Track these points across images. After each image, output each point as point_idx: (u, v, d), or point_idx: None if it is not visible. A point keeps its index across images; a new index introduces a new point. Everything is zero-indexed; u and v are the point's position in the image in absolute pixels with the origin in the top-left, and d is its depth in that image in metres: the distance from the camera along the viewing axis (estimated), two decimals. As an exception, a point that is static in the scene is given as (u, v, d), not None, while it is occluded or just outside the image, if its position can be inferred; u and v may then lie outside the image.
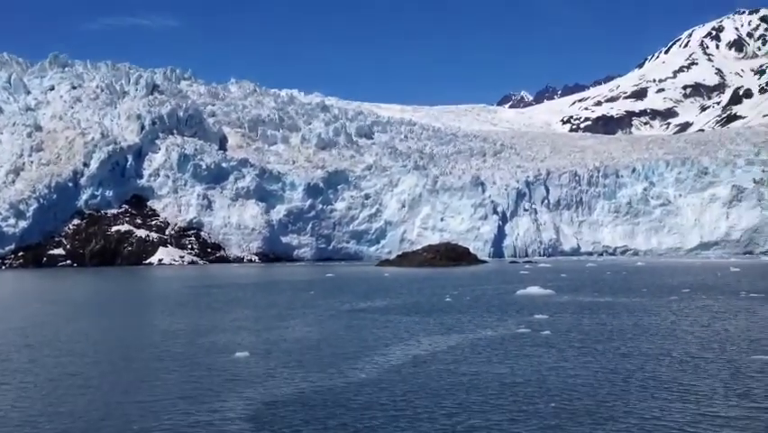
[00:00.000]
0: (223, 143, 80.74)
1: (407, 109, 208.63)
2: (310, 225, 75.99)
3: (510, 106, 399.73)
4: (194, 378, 11.30)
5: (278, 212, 74.53)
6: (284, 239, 74.13)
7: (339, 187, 79.34)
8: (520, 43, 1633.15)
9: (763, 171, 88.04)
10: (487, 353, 13.43)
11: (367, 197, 79.72)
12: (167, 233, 69.40)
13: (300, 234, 75.57)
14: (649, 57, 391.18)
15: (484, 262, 64.36)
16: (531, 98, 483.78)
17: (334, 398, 9.96)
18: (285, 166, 79.02)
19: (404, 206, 79.81)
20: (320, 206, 77.10)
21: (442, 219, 78.90)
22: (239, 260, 69.42)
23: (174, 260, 65.95)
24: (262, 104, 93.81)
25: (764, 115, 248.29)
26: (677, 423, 8.52)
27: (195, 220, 70.54)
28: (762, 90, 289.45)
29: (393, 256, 66.84)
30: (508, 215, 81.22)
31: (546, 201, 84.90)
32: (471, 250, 66.53)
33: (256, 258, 70.17)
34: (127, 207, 70.42)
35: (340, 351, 13.80)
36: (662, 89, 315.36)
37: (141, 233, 67.89)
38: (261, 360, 12.87)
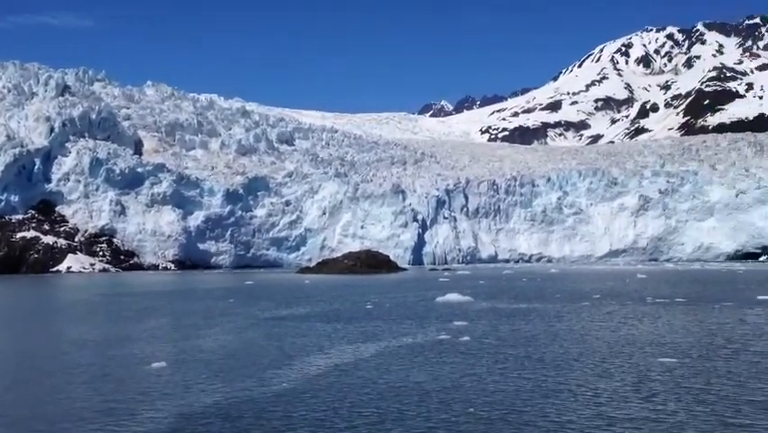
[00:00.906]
0: (138, 148, 78.48)
1: (329, 116, 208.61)
2: (229, 232, 74.75)
3: (431, 115, 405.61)
4: (107, 391, 10.90)
5: (196, 218, 72.99)
6: (201, 246, 72.63)
7: (259, 193, 78.43)
8: (441, 54, 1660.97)
9: (668, 182, 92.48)
10: (407, 360, 13.53)
11: (287, 203, 79.14)
12: (76, 239, 66.79)
13: (219, 241, 74.22)
14: (563, 70, 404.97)
15: (404, 269, 64.88)
16: (451, 108, 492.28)
17: (255, 408, 9.81)
18: (203, 172, 77.51)
19: (325, 213, 79.64)
20: (239, 212, 75.97)
21: (362, 227, 79.15)
22: (154, 267, 67.54)
23: (84, 267, 63.50)
24: (180, 108, 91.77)
25: (669, 129, 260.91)
26: (589, 426, 8.80)
27: (107, 226, 68.22)
28: (667, 105, 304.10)
29: (313, 263, 66.52)
30: (428, 222, 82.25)
31: (465, 209, 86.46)
32: (392, 257, 66.95)
33: (172, 265, 68.45)
34: (34, 212, 67.36)
35: (260, 360, 13.62)
36: (576, 102, 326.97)
37: (49, 239, 65.06)
38: (179, 370, 12.55)
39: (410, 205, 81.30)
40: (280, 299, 29.05)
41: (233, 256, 74.34)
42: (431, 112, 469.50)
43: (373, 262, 60.73)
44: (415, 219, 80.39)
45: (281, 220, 78.07)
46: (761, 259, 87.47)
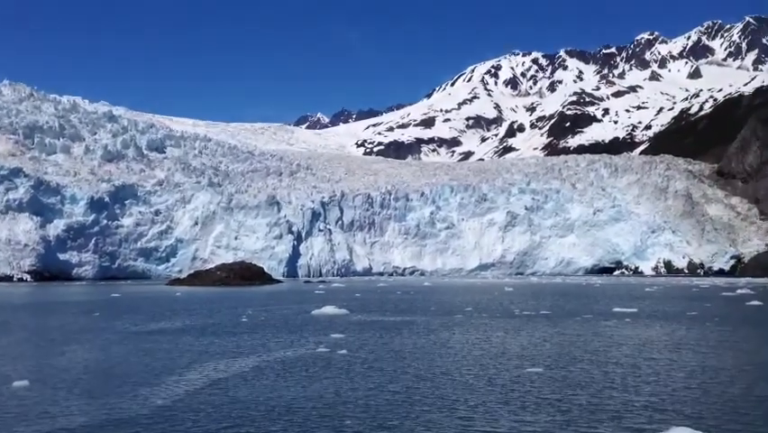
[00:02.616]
0: (-8, 150, 73.17)
1: (202, 124, 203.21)
2: (93, 242, 71.11)
3: (307, 127, 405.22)
4: (-41, 413, 10.07)
5: (56, 227, 68.94)
6: (62, 256, 68.62)
7: (127, 202, 75.23)
8: (318, 66, 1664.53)
9: (533, 199, 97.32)
10: (285, 374, 13.43)
11: (157, 213, 76.38)
12: None
13: (81, 251, 70.42)
14: (437, 88, 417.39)
15: (279, 281, 64.25)
16: (327, 120, 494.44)
17: (129, 428, 9.40)
18: (65, 178, 73.39)
19: (197, 223, 77.51)
20: (104, 221, 72.49)
21: (236, 238, 77.69)
22: (8, 278, 63.06)
23: (-72, 278, 58.34)
24: (40, 109, 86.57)
25: (534, 148, 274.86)
26: (466, 435, 9.10)
27: (-45, 234, 63.05)
28: (532, 126, 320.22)
29: (184, 275, 64.52)
30: (303, 234, 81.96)
31: (340, 222, 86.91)
32: (266, 269, 66.20)
33: (28, 277, 64.18)
34: None
35: (133, 377, 13.05)
36: (449, 119, 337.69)
37: None
38: (45, 389, 11.79)
39: (285, 216, 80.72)
40: (151, 313, 27.94)
41: (97, 267, 70.75)
42: (307, 124, 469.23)
43: (247, 273, 59.81)
44: (290, 231, 79.87)
45: (150, 230, 75.22)
46: (615, 273, 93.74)
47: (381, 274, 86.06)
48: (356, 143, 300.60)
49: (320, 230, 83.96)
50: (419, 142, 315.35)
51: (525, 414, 10.17)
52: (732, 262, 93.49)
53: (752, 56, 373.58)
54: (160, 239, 75.52)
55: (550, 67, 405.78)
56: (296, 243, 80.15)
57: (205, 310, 29.49)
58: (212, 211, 78.39)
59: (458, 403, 10.90)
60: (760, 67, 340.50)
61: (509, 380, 12.79)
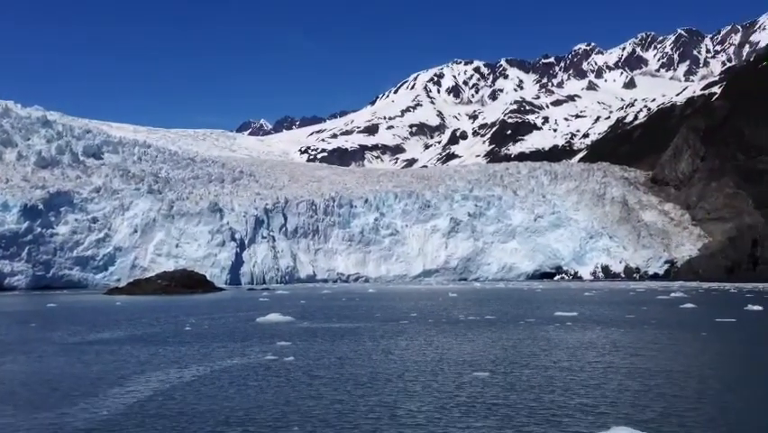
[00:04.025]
0: None
1: (142, 130, 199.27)
2: (26, 251, 68.67)
3: (250, 134, 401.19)
4: None
5: (-12, 235, 66.36)
6: (-6, 266, 66.07)
7: (62, 209, 72.98)
8: (260, 72, 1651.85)
9: (476, 206, 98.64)
10: (233, 383, 13.31)
11: (95, 220, 74.39)
12: None
13: (13, 260, 67.93)
14: (380, 95, 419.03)
15: (222, 289, 63.39)
16: (270, 127, 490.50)
17: (69, 441, 9.18)
18: (-2, 184, 70.82)
19: (136, 231, 75.82)
20: (39, 229, 70.14)
21: (177, 245, 76.29)
22: (-64, 289, 60.44)
23: None
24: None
25: (476, 156, 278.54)
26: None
27: None
28: (474, 133, 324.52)
29: (123, 284, 62.99)
30: (246, 242, 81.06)
31: (284, 229, 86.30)
32: (208, 277, 65.21)
33: (-42, 287, 61.63)
34: None
35: (74, 389, 12.72)
36: (392, 126, 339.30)
37: None
38: (-23, 404, 11.39)
39: (228, 224, 79.68)
40: (90, 323, 27.23)
41: (31, 277, 68.37)
42: (249, 130, 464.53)
43: (189, 282, 58.79)
44: (232, 238, 78.88)
45: (87, 238, 73.17)
46: (555, 278, 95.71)
47: (326, 281, 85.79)
48: (300, 150, 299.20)
49: (263, 237, 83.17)
50: (363, 149, 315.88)
51: (468, 419, 10.34)
52: (666, 266, 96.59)
53: (683, 67, 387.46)
54: (98, 247, 73.55)
55: (491, 75, 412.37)
56: (239, 250, 79.19)
57: (147, 320, 28.90)
58: (152, 218, 76.82)
59: (402, 410, 11.00)
60: (691, 77, 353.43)
61: (454, 385, 12.97)
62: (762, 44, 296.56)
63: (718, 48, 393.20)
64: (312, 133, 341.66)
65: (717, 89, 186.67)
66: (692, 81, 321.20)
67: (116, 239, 74.69)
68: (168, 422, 10.15)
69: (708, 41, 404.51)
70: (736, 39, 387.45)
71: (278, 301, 42.33)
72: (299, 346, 18.92)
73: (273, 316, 27.55)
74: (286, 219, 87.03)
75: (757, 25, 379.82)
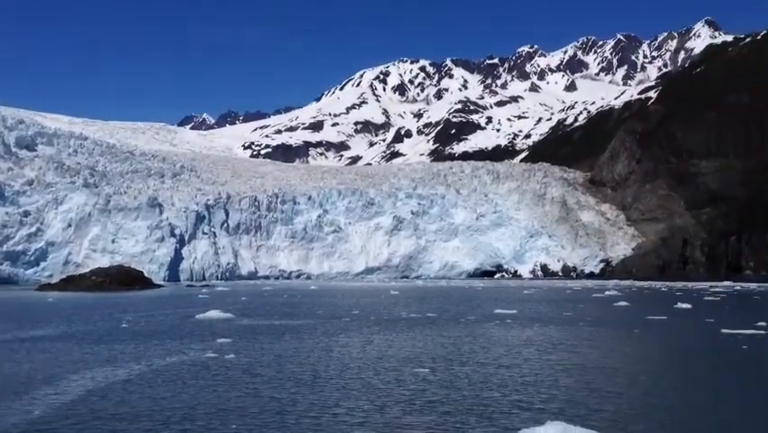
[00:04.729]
0: None
1: (78, 122, 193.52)
2: (-46, 245, 66.07)
3: (192, 128, 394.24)
4: None
5: None
6: None
7: (-7, 202, 70.40)
8: (203, 65, 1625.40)
9: (419, 204, 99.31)
10: (169, 381, 13.08)
11: (26, 214, 71.98)
12: None
13: (-60, 254, 65.27)
14: (326, 92, 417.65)
15: (160, 286, 62.15)
16: (213, 121, 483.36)
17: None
18: (-77, 175, 67.88)
19: (70, 225, 73.67)
20: (-32, 222, 67.51)
21: (113, 241, 74.44)
22: None
23: None
24: None
25: (421, 154, 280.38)
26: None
27: None
28: (419, 132, 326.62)
29: (56, 280, 61.13)
30: (186, 238, 79.69)
31: (226, 225, 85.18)
32: (146, 273, 63.84)
33: None
34: None
35: (5, 388, 12.29)
36: (337, 123, 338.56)
37: None
38: None
39: (167, 219, 78.13)
40: (20, 320, 26.34)
41: (-41, 272, 65.79)
42: (192, 124, 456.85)
43: (125, 278, 57.40)
44: (172, 234, 77.40)
45: (18, 232, 70.72)
46: (496, 276, 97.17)
47: (267, 278, 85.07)
48: (243, 146, 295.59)
49: (204, 233, 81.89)
50: (307, 145, 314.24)
51: (405, 415, 10.43)
52: (601, 265, 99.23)
53: (622, 71, 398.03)
54: (29, 242, 71.17)
55: (437, 75, 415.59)
56: (178, 246, 77.75)
57: (81, 317, 28.13)
58: (87, 213, 74.74)
59: (342, 408, 11.01)
60: (629, 82, 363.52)
61: (394, 382, 13.05)
62: (696, 51, 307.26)
63: (655, 54, 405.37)
64: (256, 129, 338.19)
65: (653, 94, 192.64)
66: (630, 86, 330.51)
67: (49, 234, 72.45)
68: (102, 423, 9.91)
69: (645, 46, 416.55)
70: (672, 45, 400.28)
71: (219, 298, 41.78)
72: (239, 344, 18.72)
73: (213, 313, 27.17)
74: (228, 215, 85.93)
75: (692, 33, 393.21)
